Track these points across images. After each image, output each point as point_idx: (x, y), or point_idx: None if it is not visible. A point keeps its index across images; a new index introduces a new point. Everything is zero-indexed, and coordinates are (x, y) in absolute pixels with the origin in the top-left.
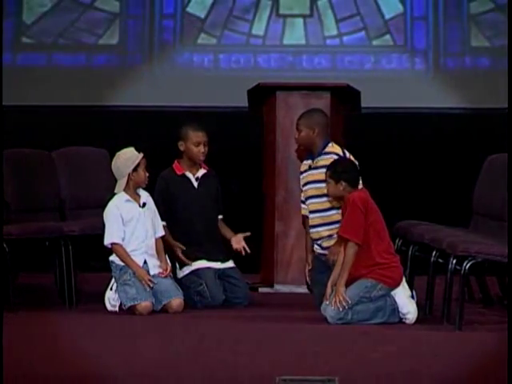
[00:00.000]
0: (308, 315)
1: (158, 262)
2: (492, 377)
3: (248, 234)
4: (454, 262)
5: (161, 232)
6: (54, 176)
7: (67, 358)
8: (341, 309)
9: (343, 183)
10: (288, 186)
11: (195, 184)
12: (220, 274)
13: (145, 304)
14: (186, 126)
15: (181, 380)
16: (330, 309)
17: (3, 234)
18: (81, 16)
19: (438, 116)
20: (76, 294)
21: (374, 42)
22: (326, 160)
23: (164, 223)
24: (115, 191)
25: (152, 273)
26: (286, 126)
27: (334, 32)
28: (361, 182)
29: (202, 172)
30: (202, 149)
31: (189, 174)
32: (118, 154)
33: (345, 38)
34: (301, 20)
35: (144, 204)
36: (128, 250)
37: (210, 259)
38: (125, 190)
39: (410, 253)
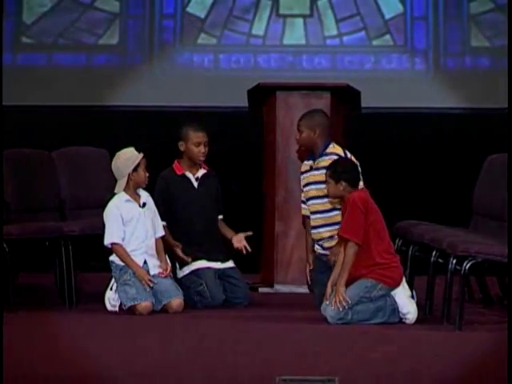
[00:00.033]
0: (308, 315)
1: (158, 262)
2: (492, 377)
3: (250, 233)
4: (454, 262)
5: (161, 232)
6: (54, 176)
7: (67, 357)
8: (341, 309)
9: (343, 183)
10: (288, 186)
11: (195, 184)
12: (220, 274)
13: (145, 304)
14: (186, 127)
15: (181, 380)
16: (330, 309)
17: (3, 234)
18: (81, 16)
19: (438, 116)
20: (76, 293)
21: (374, 42)
22: (327, 161)
23: (164, 223)
24: (115, 191)
25: (152, 273)
26: (286, 125)
27: (334, 32)
28: (362, 182)
29: (201, 172)
30: (202, 149)
31: (189, 174)
32: (118, 153)
33: (345, 38)
34: (301, 20)
35: (144, 204)
36: (128, 250)
37: (210, 259)
38: (125, 190)
39: (410, 253)
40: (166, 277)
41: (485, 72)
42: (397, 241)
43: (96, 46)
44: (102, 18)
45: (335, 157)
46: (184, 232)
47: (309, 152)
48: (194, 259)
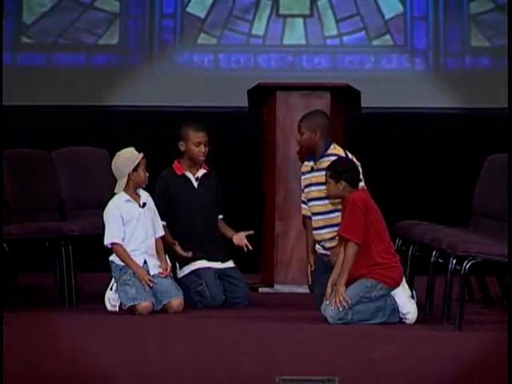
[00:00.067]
0: (308, 315)
1: (158, 262)
2: (492, 377)
3: (251, 232)
4: (454, 262)
5: (161, 232)
6: (54, 176)
7: (67, 357)
8: (341, 309)
9: (343, 183)
10: (288, 186)
11: (195, 184)
12: (220, 273)
13: (145, 304)
14: (186, 127)
15: (181, 380)
16: (330, 309)
17: (3, 234)
18: (81, 16)
19: (438, 116)
20: (76, 293)
21: (374, 42)
22: (328, 162)
23: (164, 223)
24: (115, 191)
25: (152, 273)
26: (286, 125)
27: (334, 32)
28: (363, 183)
29: (202, 172)
30: (202, 149)
31: (189, 174)
32: (118, 153)
33: (345, 38)
34: (301, 20)
35: (144, 204)
36: (128, 250)
37: (210, 259)
38: (125, 189)
39: (410, 253)
40: (166, 277)
41: (485, 72)
42: (397, 241)
43: (96, 46)
44: (102, 18)
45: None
46: (184, 232)
47: (309, 153)
48: (194, 259)
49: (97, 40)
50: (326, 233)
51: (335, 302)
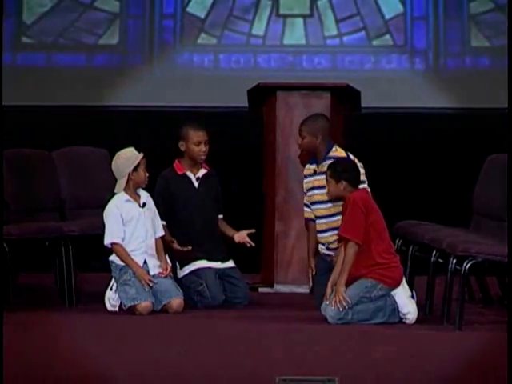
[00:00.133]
0: (308, 315)
1: (158, 262)
2: (492, 377)
3: (253, 230)
4: (454, 261)
5: (161, 232)
6: (54, 176)
7: (67, 357)
8: (341, 309)
9: (343, 183)
10: (288, 186)
11: (196, 184)
12: (220, 273)
13: (145, 304)
14: (186, 126)
15: (181, 380)
16: (330, 309)
17: (3, 234)
18: (81, 16)
19: (438, 116)
20: (76, 293)
21: (374, 42)
22: None
23: (164, 223)
24: (115, 191)
25: (152, 273)
26: (286, 125)
27: (334, 32)
28: (367, 184)
29: (202, 172)
30: (202, 148)
31: (189, 174)
32: (118, 153)
33: (345, 38)
34: (301, 20)
35: (144, 204)
36: (128, 249)
37: (210, 259)
38: (125, 189)
39: (410, 253)
40: (166, 277)
41: (485, 72)
42: (397, 241)
43: (96, 46)
44: (102, 18)
45: None
46: (184, 232)
47: (311, 156)
48: (194, 259)
49: (97, 40)
50: (329, 236)
51: (335, 301)
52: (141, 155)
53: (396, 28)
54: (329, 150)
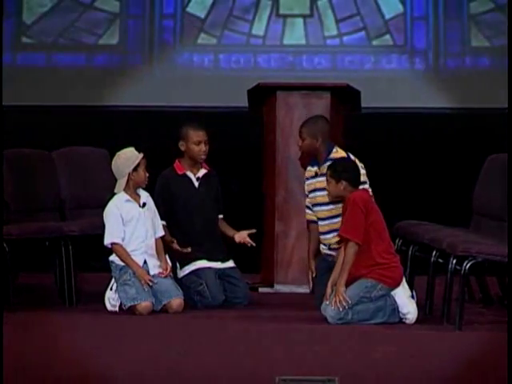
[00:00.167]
0: (308, 315)
1: (158, 262)
2: (492, 376)
3: (253, 230)
4: (454, 262)
5: (161, 232)
6: (54, 176)
7: (67, 357)
8: (341, 309)
9: (344, 182)
10: (288, 186)
11: (196, 184)
12: (220, 273)
13: (145, 304)
14: (186, 126)
15: (181, 380)
16: (330, 309)
17: (3, 234)
18: (81, 16)
19: (438, 116)
20: (76, 294)
21: (374, 42)
22: None
23: (164, 223)
24: (115, 191)
25: (152, 273)
26: (286, 125)
27: (334, 32)
28: (368, 185)
29: (202, 172)
30: (202, 147)
31: (190, 174)
32: (118, 153)
33: (345, 38)
34: (301, 20)
35: (144, 204)
36: (128, 249)
37: (210, 259)
38: (125, 189)
39: (410, 253)
40: (166, 277)
41: (485, 72)
42: (397, 241)
43: (96, 46)
44: (102, 18)
45: None
46: (184, 232)
47: (311, 158)
48: (194, 259)
49: (97, 40)
50: (331, 237)
51: (335, 301)
52: (141, 155)
53: (396, 28)
54: (329, 152)
